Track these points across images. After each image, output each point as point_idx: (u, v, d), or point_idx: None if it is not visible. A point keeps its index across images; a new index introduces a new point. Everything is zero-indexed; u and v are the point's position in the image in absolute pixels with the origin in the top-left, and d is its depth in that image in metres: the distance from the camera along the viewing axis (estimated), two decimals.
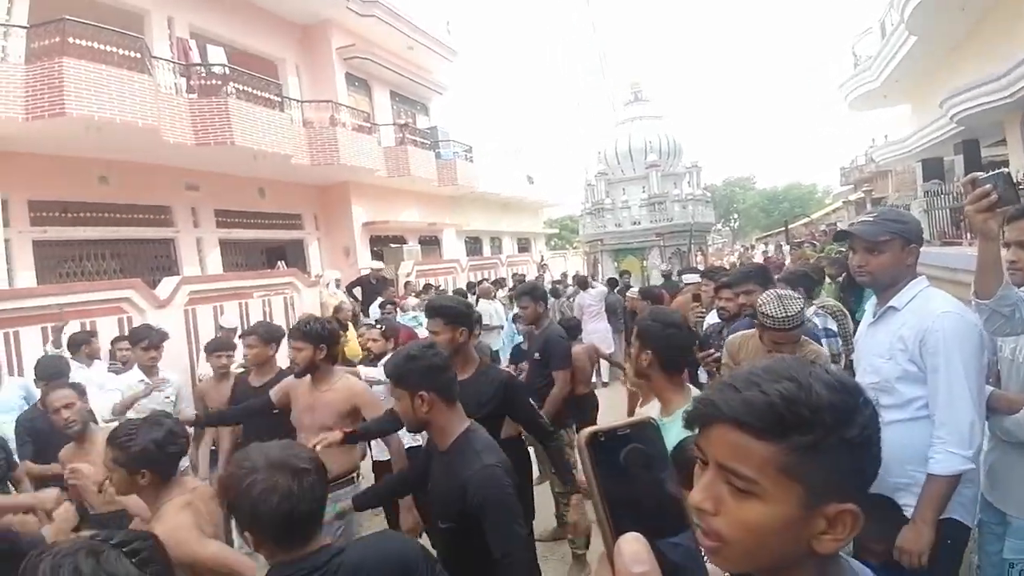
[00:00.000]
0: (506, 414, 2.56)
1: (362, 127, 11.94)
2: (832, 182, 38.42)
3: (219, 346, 4.05)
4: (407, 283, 10.09)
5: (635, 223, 14.34)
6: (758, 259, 15.00)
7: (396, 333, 4.39)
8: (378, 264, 10.52)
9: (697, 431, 0.64)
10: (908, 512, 1.71)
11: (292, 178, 11.34)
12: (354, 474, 2.83)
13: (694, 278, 7.57)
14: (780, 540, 0.60)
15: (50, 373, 3.50)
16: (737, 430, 0.60)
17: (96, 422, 2.87)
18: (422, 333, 5.62)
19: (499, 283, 10.44)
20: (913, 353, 1.75)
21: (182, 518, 1.70)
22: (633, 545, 0.44)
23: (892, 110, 18.95)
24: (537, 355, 3.63)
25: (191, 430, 3.16)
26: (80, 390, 2.73)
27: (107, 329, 5.55)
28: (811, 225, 21.32)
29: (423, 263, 12.44)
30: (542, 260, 15.82)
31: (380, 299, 8.43)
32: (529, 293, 3.74)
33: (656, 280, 11.29)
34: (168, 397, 3.98)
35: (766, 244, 24.96)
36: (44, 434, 3.10)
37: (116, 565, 0.75)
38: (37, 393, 3.59)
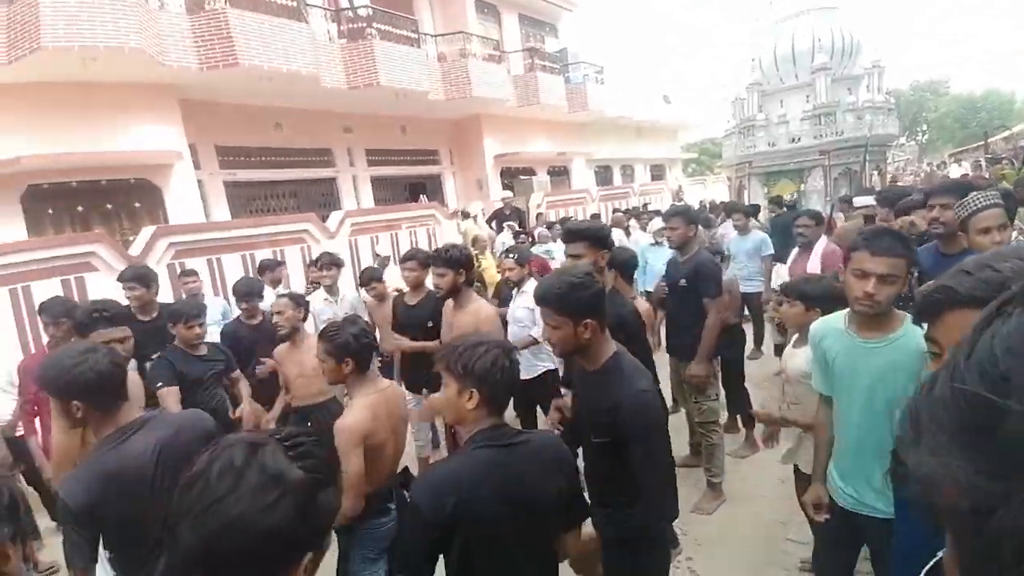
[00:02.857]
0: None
1: (491, 56, 11.88)
2: None
3: (371, 276, 4.54)
4: (538, 215, 10.22)
5: (794, 140, 12.54)
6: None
7: (528, 260, 4.55)
8: (507, 194, 10.74)
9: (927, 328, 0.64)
10: None
11: (429, 114, 11.82)
12: None
13: (866, 200, 6.61)
14: None
15: (246, 292, 4.17)
16: (975, 310, 0.59)
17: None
18: (554, 264, 5.73)
19: (633, 212, 10.10)
20: None
21: (357, 417, 2.03)
22: None
23: None
24: (684, 282, 3.38)
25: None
26: (297, 301, 3.27)
27: (292, 256, 6.52)
28: (1012, 140, 16.93)
29: (553, 194, 12.43)
30: (679, 188, 14.88)
31: (508, 226, 8.72)
32: (682, 214, 3.46)
33: (814, 207, 9.96)
34: (346, 312, 4.63)
35: (959, 162, 20.51)
36: (242, 340, 3.80)
37: (269, 458, 0.76)
38: (234, 309, 4.35)
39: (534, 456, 1.48)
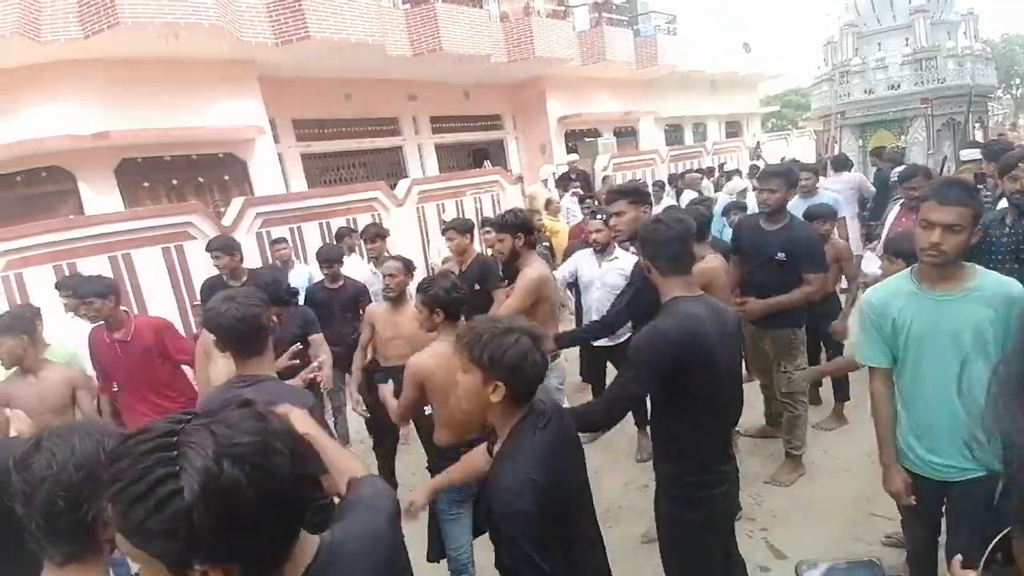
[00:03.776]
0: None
1: (555, 12, 11.44)
2: None
3: (451, 225, 4.53)
4: (604, 178, 9.93)
5: (893, 86, 11.28)
6: None
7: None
8: (573, 157, 10.49)
9: None
10: None
11: (492, 78, 11.65)
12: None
13: (973, 154, 5.96)
14: None
15: (329, 258, 4.34)
16: None
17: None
18: None
19: (707, 172, 9.58)
20: None
21: (422, 358, 2.23)
22: None
23: None
24: (782, 255, 3.06)
25: None
26: (407, 267, 3.33)
27: (363, 223, 6.71)
28: None
29: (619, 156, 11.99)
30: (757, 145, 13.88)
31: (571, 190, 8.55)
32: (782, 175, 3.16)
33: (916, 161, 8.97)
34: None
35: None
36: (324, 304, 4.05)
37: (272, 420, 0.75)
38: (316, 275, 4.57)
39: (568, 427, 1.51)
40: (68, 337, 3.50)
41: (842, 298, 3.98)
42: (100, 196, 7.00)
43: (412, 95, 10.72)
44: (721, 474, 1.84)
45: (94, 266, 4.98)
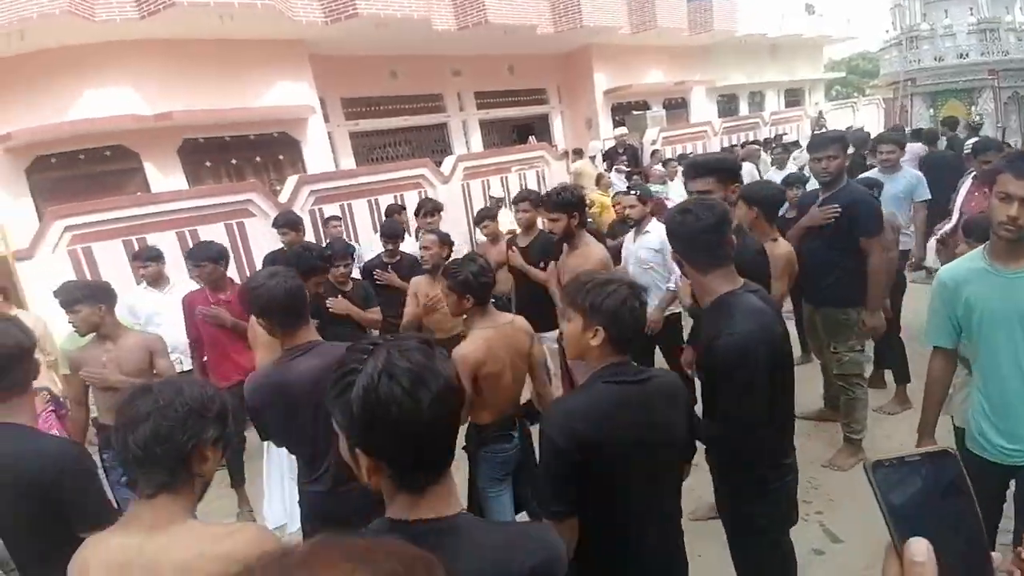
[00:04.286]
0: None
1: None
2: None
3: (484, 215, 4.60)
4: (653, 152, 9.62)
5: (962, 55, 10.58)
6: None
7: (650, 199, 4.32)
8: (622, 130, 10.19)
9: None
10: None
11: (537, 50, 11.42)
12: None
13: None
14: None
15: (391, 233, 4.42)
16: None
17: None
18: (669, 204, 5.40)
19: (765, 144, 9.12)
20: None
21: (470, 348, 2.17)
22: (919, 544, 0.46)
23: None
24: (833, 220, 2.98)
25: None
26: (443, 240, 3.47)
27: (410, 201, 6.84)
28: None
29: (669, 129, 11.57)
30: (819, 115, 13.04)
31: (617, 169, 8.34)
32: (838, 140, 3.04)
33: (986, 133, 8.25)
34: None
35: None
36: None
37: (440, 363, 0.85)
38: (365, 252, 4.67)
39: (658, 393, 1.47)
40: (139, 308, 3.76)
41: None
42: (165, 175, 7.38)
43: (456, 70, 10.66)
44: (786, 466, 1.79)
45: (162, 241, 5.30)
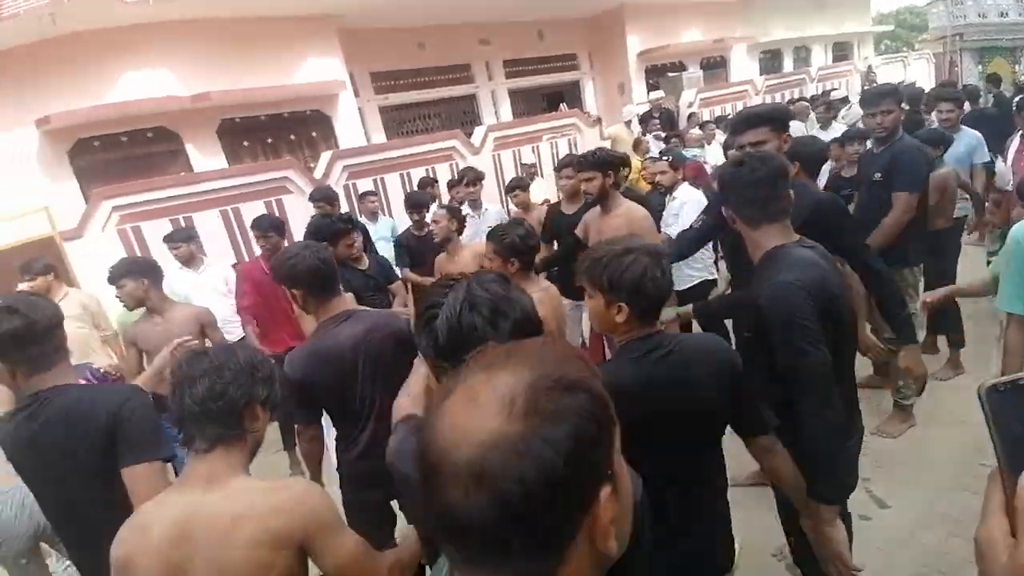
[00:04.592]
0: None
1: None
2: None
3: (516, 184, 4.55)
4: (690, 115, 9.27)
5: (1003, 13, 9.99)
6: None
7: (683, 164, 4.18)
8: (658, 93, 9.81)
9: None
10: None
11: (567, 12, 11.05)
12: None
13: None
14: None
15: (415, 204, 4.51)
16: None
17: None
18: (708, 169, 5.21)
19: (812, 101, 8.65)
20: None
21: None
22: None
23: None
24: (879, 175, 2.83)
25: None
26: (453, 213, 3.48)
27: (442, 173, 6.85)
28: None
29: (707, 90, 11.07)
30: (869, 69, 12.24)
31: (652, 131, 8.08)
32: (892, 93, 2.88)
33: None
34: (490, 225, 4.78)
35: None
36: (414, 250, 4.24)
37: (517, 295, 0.94)
38: (400, 227, 4.71)
39: (690, 361, 1.39)
40: (176, 288, 3.89)
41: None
42: (205, 155, 7.58)
43: (484, 39, 10.44)
44: (852, 427, 1.70)
45: (206, 220, 5.48)
